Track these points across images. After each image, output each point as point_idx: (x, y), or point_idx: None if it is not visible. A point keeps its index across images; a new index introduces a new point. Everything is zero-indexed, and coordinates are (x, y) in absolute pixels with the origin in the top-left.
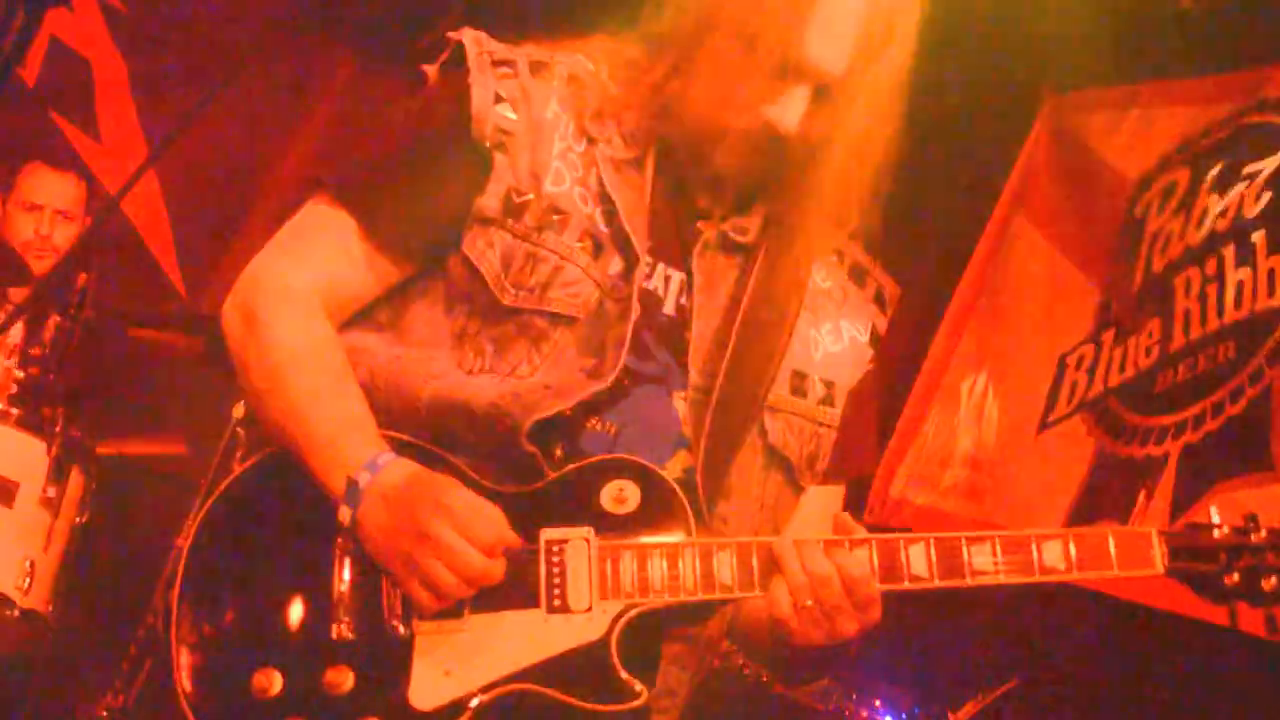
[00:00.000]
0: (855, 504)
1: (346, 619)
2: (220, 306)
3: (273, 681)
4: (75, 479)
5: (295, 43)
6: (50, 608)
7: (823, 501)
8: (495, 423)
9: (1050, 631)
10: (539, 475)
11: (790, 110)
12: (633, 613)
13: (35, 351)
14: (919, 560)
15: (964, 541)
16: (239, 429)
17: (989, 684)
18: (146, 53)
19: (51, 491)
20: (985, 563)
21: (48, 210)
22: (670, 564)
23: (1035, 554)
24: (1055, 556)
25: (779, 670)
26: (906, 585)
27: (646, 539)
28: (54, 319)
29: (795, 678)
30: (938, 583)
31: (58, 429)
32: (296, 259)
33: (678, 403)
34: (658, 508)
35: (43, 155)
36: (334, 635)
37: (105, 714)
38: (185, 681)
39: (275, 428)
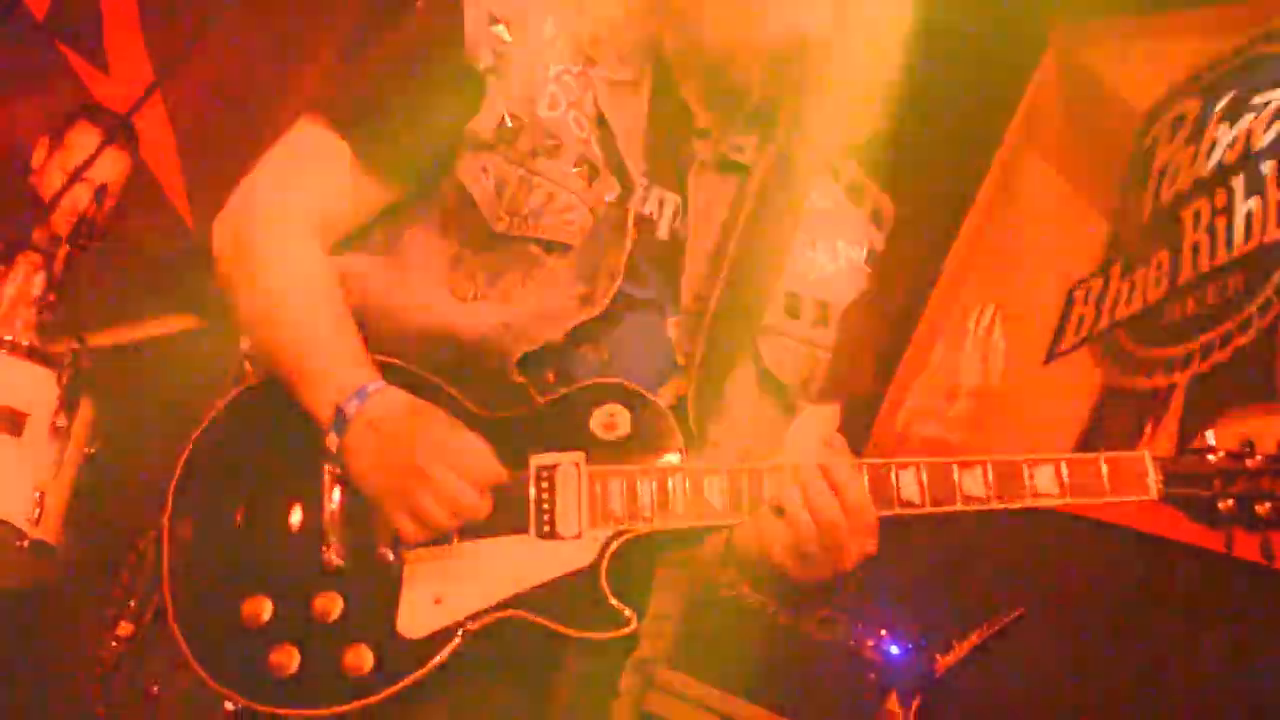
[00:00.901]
0: (859, 430)
1: (336, 546)
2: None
3: (262, 609)
4: (85, 408)
5: None
6: (60, 539)
7: (817, 422)
8: (484, 354)
9: (1054, 562)
10: (529, 404)
11: (822, 13)
12: (622, 539)
13: (52, 298)
14: (910, 485)
15: (955, 466)
16: (246, 362)
17: (993, 614)
18: None
19: (62, 421)
20: (976, 488)
21: (94, 184)
22: (660, 490)
23: (1027, 479)
24: (1047, 481)
25: (784, 601)
26: (897, 510)
27: (636, 465)
28: (64, 250)
29: (797, 607)
30: (929, 508)
31: (68, 360)
32: (288, 179)
33: (671, 328)
34: (649, 433)
35: (87, 114)
36: (324, 562)
37: (115, 644)
38: (177, 609)
39: (264, 353)
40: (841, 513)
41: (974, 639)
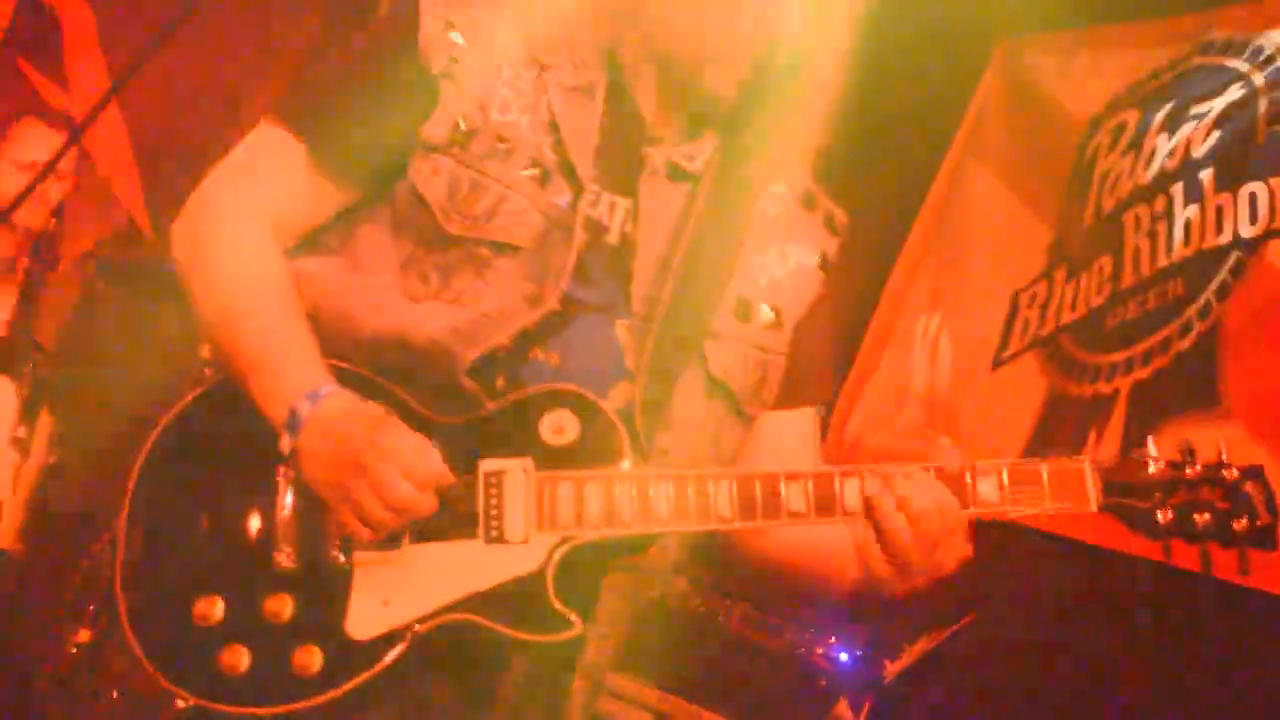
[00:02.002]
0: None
1: (288, 548)
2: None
3: (214, 608)
4: (44, 420)
5: None
6: (19, 545)
7: (797, 427)
8: (434, 358)
9: (1002, 572)
10: (479, 408)
11: (782, 27)
12: (569, 544)
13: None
14: (853, 494)
15: (899, 477)
16: (206, 369)
17: (941, 622)
18: (113, 3)
19: (21, 432)
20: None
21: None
22: (608, 497)
23: (970, 485)
24: (990, 489)
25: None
26: (840, 519)
27: (585, 471)
28: (23, 262)
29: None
30: (860, 529)
31: (27, 370)
32: (245, 182)
33: (620, 331)
34: (597, 439)
35: (36, 110)
36: (275, 563)
37: (74, 650)
38: (129, 608)
39: (221, 354)
40: (939, 514)
41: (922, 645)
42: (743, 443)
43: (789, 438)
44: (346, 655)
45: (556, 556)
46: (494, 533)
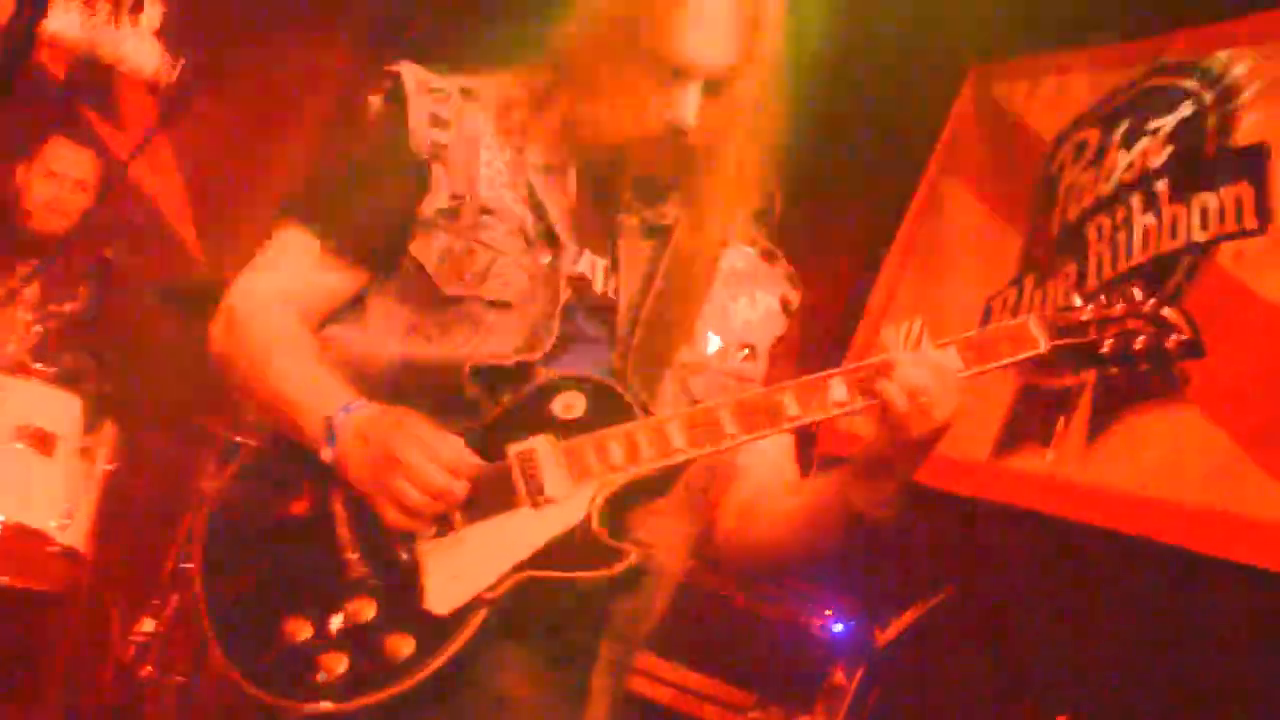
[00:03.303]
0: (805, 439)
1: (355, 557)
2: (236, 272)
3: (302, 627)
4: (107, 430)
5: (301, 34)
6: (88, 545)
7: (775, 442)
8: (440, 371)
9: (982, 547)
10: (489, 413)
11: (687, 108)
12: (606, 489)
13: (53, 308)
14: (839, 390)
15: (875, 368)
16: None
17: (928, 592)
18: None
19: (86, 441)
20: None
21: (67, 179)
22: (629, 444)
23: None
24: (954, 359)
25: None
26: (830, 412)
27: (602, 431)
28: (85, 288)
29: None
30: (860, 404)
31: (92, 385)
32: (271, 278)
33: (612, 356)
34: (605, 407)
35: (66, 131)
36: (348, 574)
37: (139, 639)
38: (223, 643)
39: (263, 407)
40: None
41: (909, 616)
42: (729, 462)
43: (772, 448)
44: (434, 631)
45: (598, 501)
46: (538, 497)
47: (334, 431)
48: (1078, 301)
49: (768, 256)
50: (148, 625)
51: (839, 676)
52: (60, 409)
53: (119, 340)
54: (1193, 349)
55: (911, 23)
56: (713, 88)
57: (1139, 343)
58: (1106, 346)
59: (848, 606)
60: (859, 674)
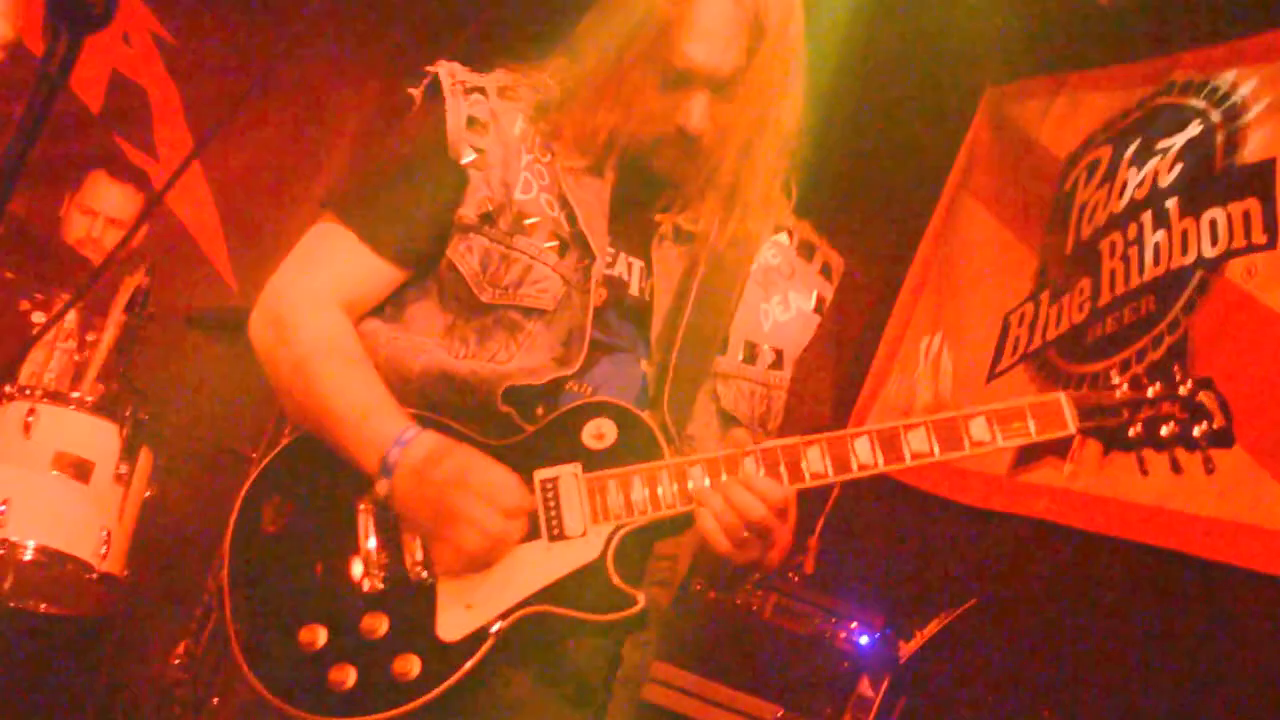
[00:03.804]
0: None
1: (376, 572)
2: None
3: (317, 635)
4: (144, 457)
5: (335, 64)
6: (125, 571)
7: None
8: (474, 387)
9: (1004, 559)
10: (518, 430)
11: (695, 113)
12: (623, 531)
13: (91, 336)
14: (864, 450)
15: (901, 429)
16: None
17: (950, 604)
18: (197, 79)
19: (124, 469)
20: (921, 445)
21: (101, 217)
22: (650, 485)
23: (964, 432)
24: (981, 430)
25: (721, 582)
26: (855, 473)
27: (628, 467)
28: (120, 317)
29: (732, 585)
30: (882, 467)
31: (128, 413)
32: (312, 269)
33: (644, 367)
34: (634, 440)
35: (106, 164)
36: (366, 588)
37: (176, 663)
38: (240, 643)
39: (305, 415)
40: (757, 496)
41: (933, 628)
42: None
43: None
44: (441, 657)
45: (614, 543)
46: (555, 531)
47: (389, 466)
48: (1114, 379)
49: (804, 250)
50: (185, 647)
51: (864, 688)
52: (97, 437)
53: (155, 368)
54: (1221, 438)
55: (928, 44)
56: (720, 91)
57: (1167, 429)
58: (1134, 431)
59: (872, 618)
60: (884, 685)
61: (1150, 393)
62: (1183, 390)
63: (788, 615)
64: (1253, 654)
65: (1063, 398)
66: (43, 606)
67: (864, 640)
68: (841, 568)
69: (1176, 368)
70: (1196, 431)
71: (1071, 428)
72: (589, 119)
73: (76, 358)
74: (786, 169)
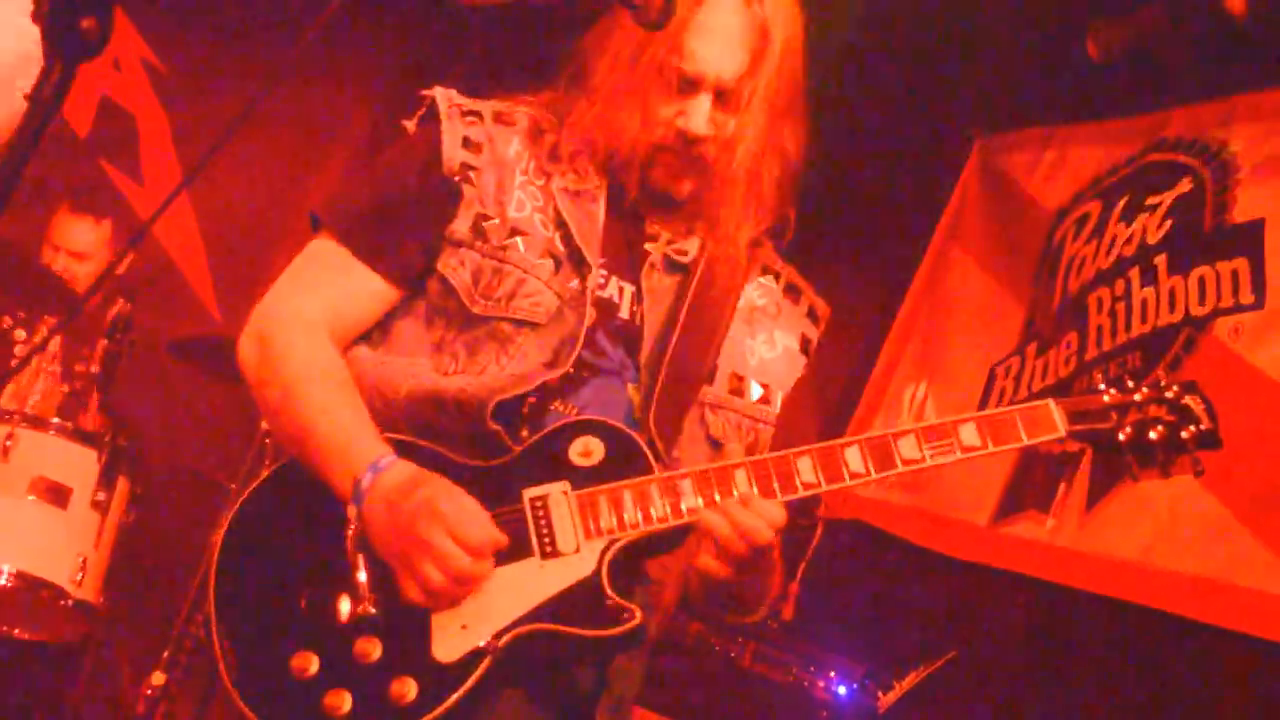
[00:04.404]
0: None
1: (367, 596)
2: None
3: (310, 662)
4: (122, 483)
5: (323, 94)
6: (101, 599)
7: None
8: (463, 405)
9: (983, 612)
10: (506, 450)
11: (696, 116)
12: (616, 546)
13: (79, 367)
14: (855, 460)
15: (892, 438)
16: (265, 440)
17: (929, 656)
18: (186, 106)
19: (101, 495)
20: (912, 451)
21: (62, 251)
22: (642, 500)
23: (955, 437)
24: (971, 435)
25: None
26: (847, 482)
27: (617, 483)
28: (102, 343)
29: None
30: (874, 475)
31: (106, 439)
32: (304, 290)
33: (631, 391)
34: (622, 456)
35: (69, 199)
36: (358, 612)
37: (149, 693)
38: (230, 672)
39: (288, 438)
40: (759, 516)
41: (912, 679)
42: None
43: None
44: (438, 678)
45: (607, 559)
46: (548, 548)
47: (360, 492)
48: (1102, 385)
49: (791, 293)
50: (158, 679)
51: None
52: (75, 462)
53: (135, 395)
54: (1208, 440)
55: (919, 94)
56: (723, 98)
57: (1155, 433)
58: (1124, 434)
59: (851, 669)
60: None
61: (1137, 396)
62: (1169, 394)
63: (767, 663)
64: (1231, 714)
65: (1051, 403)
66: (15, 632)
67: (842, 690)
68: (821, 616)
69: (1161, 373)
70: (1184, 434)
71: (1061, 430)
72: (589, 132)
73: (64, 387)
74: (786, 201)
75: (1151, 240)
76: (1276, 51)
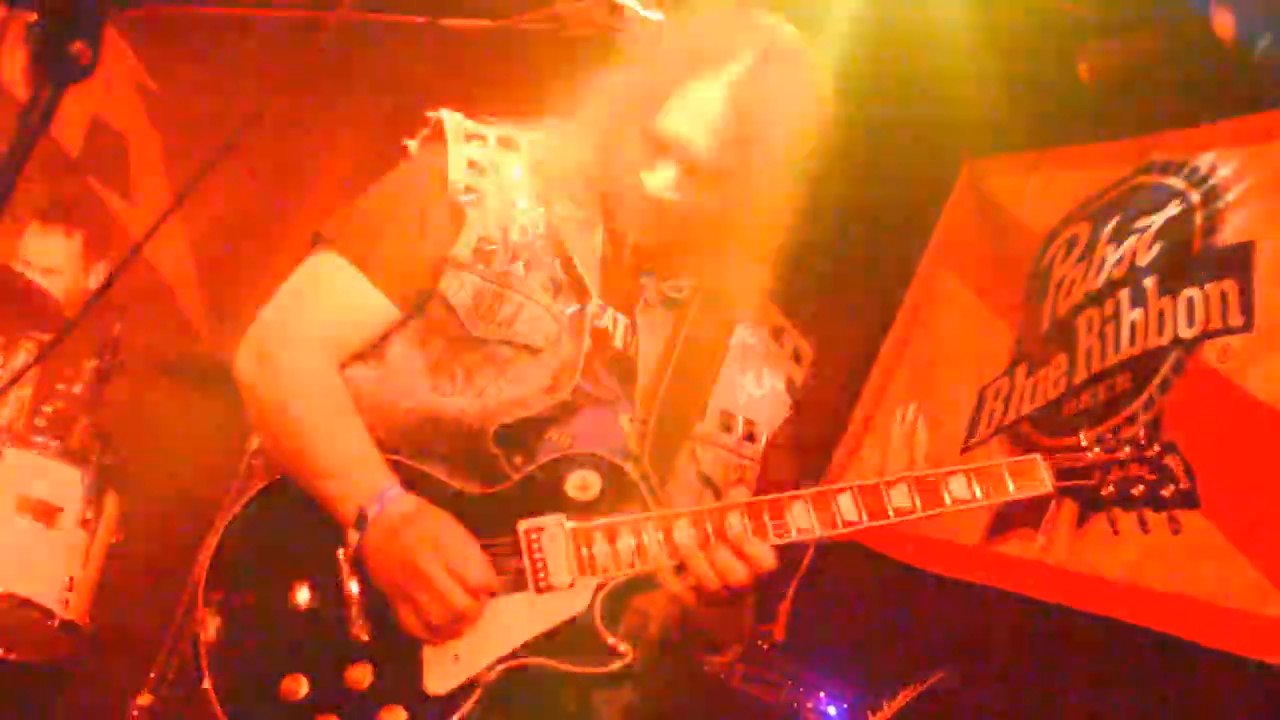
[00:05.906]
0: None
1: (360, 622)
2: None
3: (299, 685)
4: (111, 502)
5: (314, 113)
6: (88, 619)
7: None
8: (462, 429)
9: (974, 630)
10: (503, 477)
11: (656, 178)
12: (610, 583)
13: (60, 387)
14: (849, 507)
15: (883, 486)
16: (253, 460)
17: (918, 677)
18: (178, 128)
19: (90, 514)
20: (904, 501)
21: (35, 267)
22: (637, 537)
23: (945, 490)
24: (962, 489)
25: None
26: (840, 529)
27: (613, 518)
28: (91, 363)
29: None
30: (866, 523)
31: (94, 458)
32: (306, 306)
33: (624, 422)
34: (617, 492)
35: (38, 215)
36: (351, 637)
37: (135, 714)
38: (219, 694)
39: (285, 459)
40: (740, 558)
41: (901, 699)
42: None
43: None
44: (427, 710)
45: (601, 595)
46: (542, 582)
47: (364, 521)
48: (1084, 441)
49: (776, 334)
50: (144, 699)
51: None
52: (63, 481)
53: (123, 414)
54: (1187, 500)
55: (907, 117)
56: (695, 173)
57: (1138, 490)
58: (1107, 490)
59: (842, 689)
60: None
61: (1120, 455)
62: (1150, 453)
63: (756, 683)
64: None
65: (1038, 458)
66: (2, 653)
67: (832, 711)
68: (812, 635)
69: (1143, 432)
70: (1165, 493)
71: (1049, 486)
72: (577, 158)
73: (47, 407)
74: (766, 255)
75: (1141, 262)
76: (1265, 75)
